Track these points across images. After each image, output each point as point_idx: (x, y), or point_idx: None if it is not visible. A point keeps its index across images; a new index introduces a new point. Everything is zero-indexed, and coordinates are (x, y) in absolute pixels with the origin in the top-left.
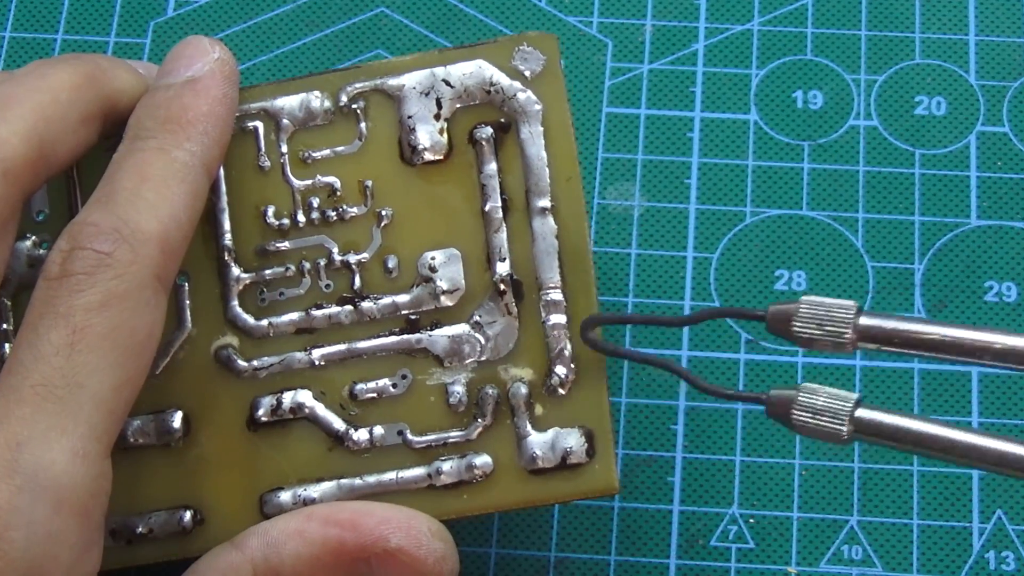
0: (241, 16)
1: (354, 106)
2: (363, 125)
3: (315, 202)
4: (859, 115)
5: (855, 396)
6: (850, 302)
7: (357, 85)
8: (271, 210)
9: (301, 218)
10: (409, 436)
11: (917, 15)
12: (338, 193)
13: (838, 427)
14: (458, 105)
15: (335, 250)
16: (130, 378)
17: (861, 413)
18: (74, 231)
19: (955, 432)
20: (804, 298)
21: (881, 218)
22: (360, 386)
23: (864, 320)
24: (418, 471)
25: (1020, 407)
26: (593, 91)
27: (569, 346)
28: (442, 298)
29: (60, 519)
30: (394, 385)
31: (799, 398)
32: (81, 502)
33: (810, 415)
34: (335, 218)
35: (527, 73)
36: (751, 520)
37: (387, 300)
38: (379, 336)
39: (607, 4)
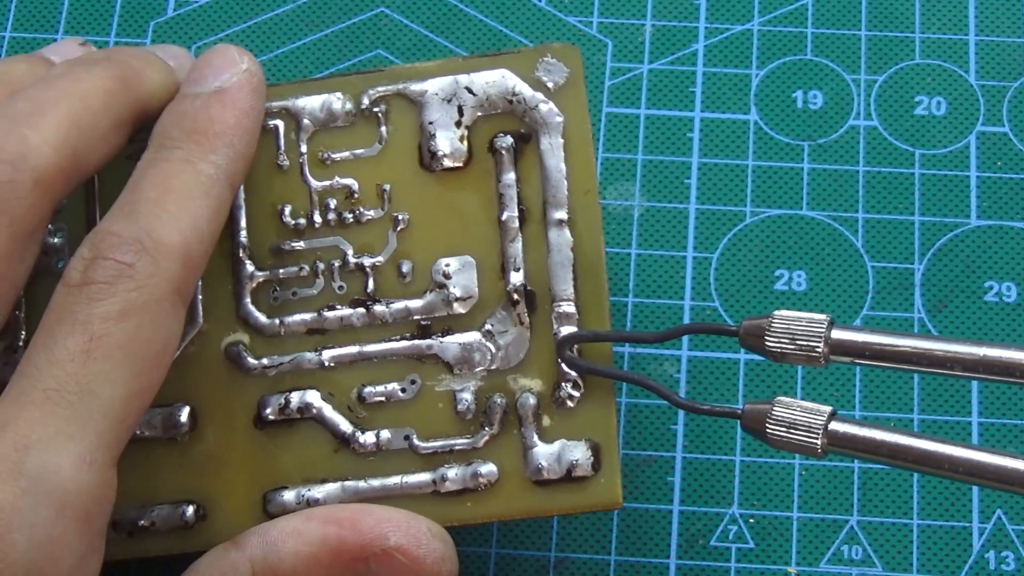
0: (241, 16)
1: (375, 109)
2: (383, 129)
3: (332, 203)
4: (859, 115)
5: (828, 409)
6: (822, 316)
7: (379, 89)
8: (288, 209)
9: (317, 219)
10: (416, 441)
11: (917, 15)
12: (355, 195)
13: (812, 441)
14: (479, 113)
15: (350, 252)
16: (143, 389)
17: (835, 426)
18: (96, 240)
19: (929, 443)
20: (776, 312)
21: (881, 218)
22: (369, 389)
23: (836, 333)
24: (423, 477)
25: (1020, 407)
26: (593, 91)
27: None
28: (455, 305)
29: (62, 524)
30: (403, 390)
31: (773, 412)
32: (84, 508)
33: (784, 429)
34: (351, 220)
35: (550, 84)
36: (751, 520)
37: (400, 304)
38: (390, 340)
39: (607, 4)
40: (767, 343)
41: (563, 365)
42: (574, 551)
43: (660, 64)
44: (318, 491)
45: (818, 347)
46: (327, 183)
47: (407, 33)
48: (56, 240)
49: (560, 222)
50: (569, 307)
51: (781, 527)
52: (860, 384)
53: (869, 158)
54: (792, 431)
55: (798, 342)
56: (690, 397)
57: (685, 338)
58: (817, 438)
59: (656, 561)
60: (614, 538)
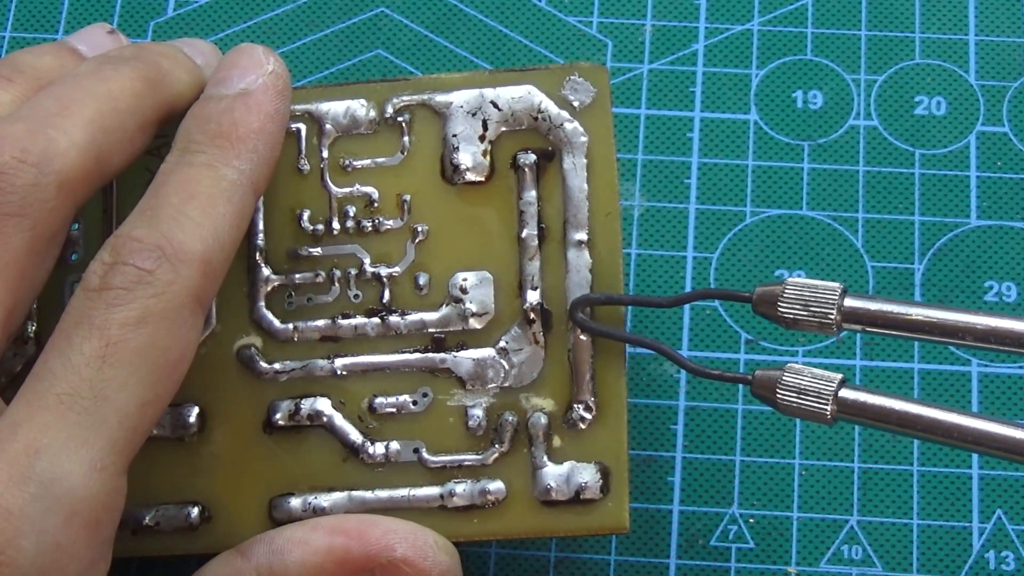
0: (241, 16)
1: (399, 119)
2: (406, 139)
3: (351, 211)
4: (859, 115)
5: (839, 377)
6: (835, 284)
7: (404, 98)
8: (306, 214)
9: (336, 225)
10: (425, 455)
11: (917, 15)
12: (375, 204)
13: (822, 407)
14: (504, 128)
15: (367, 261)
16: (158, 397)
17: (845, 393)
18: (117, 244)
19: (938, 411)
20: (790, 279)
21: (881, 218)
22: (380, 400)
23: (849, 302)
24: (431, 491)
25: (1020, 407)
26: None
27: (593, 382)
28: (470, 320)
29: (71, 531)
30: (414, 402)
31: (784, 378)
32: (93, 515)
33: (794, 395)
34: (370, 229)
35: (576, 104)
36: (751, 520)
37: (415, 316)
38: (403, 352)
39: (607, 4)
40: (780, 310)
41: (576, 327)
42: (574, 551)
43: (660, 64)
44: (325, 499)
45: (831, 314)
46: (347, 190)
47: (407, 33)
48: (71, 231)
49: (580, 243)
50: None
51: (781, 527)
52: (860, 383)
53: (869, 158)
54: (802, 397)
55: (811, 309)
56: (690, 397)
57: (685, 339)
58: (827, 404)
59: (656, 561)
60: (614, 538)
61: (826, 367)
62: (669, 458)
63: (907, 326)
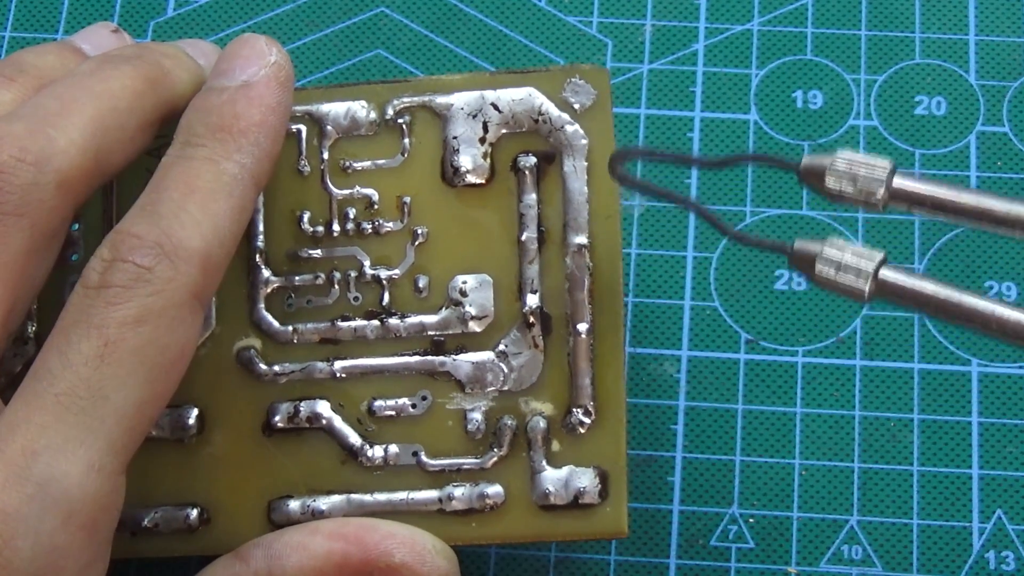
0: (241, 16)
1: (400, 120)
2: (407, 140)
3: (351, 213)
4: (859, 115)
5: (880, 255)
6: (886, 161)
7: (405, 99)
8: (306, 216)
9: (336, 227)
10: (423, 458)
11: (917, 15)
12: (375, 206)
13: (861, 285)
14: (504, 131)
15: (367, 263)
16: (156, 396)
17: (885, 273)
18: (116, 241)
19: (979, 300)
20: (840, 152)
21: (881, 218)
22: (379, 403)
23: (898, 180)
24: (429, 494)
25: (1020, 407)
26: None
27: (592, 386)
28: (470, 323)
29: (68, 532)
30: (413, 405)
31: (825, 251)
32: (91, 516)
33: (833, 269)
34: (370, 231)
35: (576, 106)
36: (751, 520)
37: (414, 319)
38: (403, 354)
39: (607, 4)
40: (827, 182)
41: (616, 180)
42: (574, 551)
43: (660, 64)
44: (323, 502)
45: (879, 191)
46: (347, 192)
47: (407, 33)
48: (71, 231)
49: (580, 246)
50: (584, 332)
51: (781, 527)
52: (860, 384)
53: None
54: (841, 272)
55: (859, 184)
56: (690, 397)
57: (685, 339)
58: (867, 283)
59: (656, 561)
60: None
61: (826, 367)
62: (669, 458)
63: (956, 210)
